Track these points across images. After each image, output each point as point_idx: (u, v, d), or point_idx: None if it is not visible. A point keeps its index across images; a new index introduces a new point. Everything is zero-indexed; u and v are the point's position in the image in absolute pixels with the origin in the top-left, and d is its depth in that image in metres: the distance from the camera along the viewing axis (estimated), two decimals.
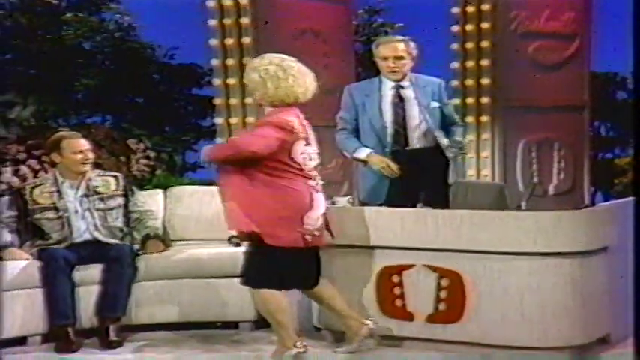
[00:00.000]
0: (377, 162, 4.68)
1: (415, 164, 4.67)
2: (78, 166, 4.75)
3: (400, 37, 4.82)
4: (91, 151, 4.84)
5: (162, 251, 4.76)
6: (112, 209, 4.79)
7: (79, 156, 4.75)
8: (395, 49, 4.71)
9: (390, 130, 4.71)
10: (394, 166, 4.65)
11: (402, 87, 4.74)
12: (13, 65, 8.49)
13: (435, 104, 4.72)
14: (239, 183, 3.92)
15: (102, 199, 4.79)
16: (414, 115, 4.70)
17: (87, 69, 8.41)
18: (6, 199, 4.80)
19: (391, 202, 4.61)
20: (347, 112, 4.87)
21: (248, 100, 6.42)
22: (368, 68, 9.02)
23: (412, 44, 4.75)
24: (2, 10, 8.48)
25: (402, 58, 4.70)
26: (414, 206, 4.57)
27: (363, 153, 4.75)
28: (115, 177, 4.93)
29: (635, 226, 3.80)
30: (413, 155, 4.70)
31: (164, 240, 4.89)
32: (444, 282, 4.19)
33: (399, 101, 4.72)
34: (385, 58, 4.73)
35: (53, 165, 4.88)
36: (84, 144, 4.81)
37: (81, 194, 4.76)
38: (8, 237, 4.68)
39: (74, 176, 4.78)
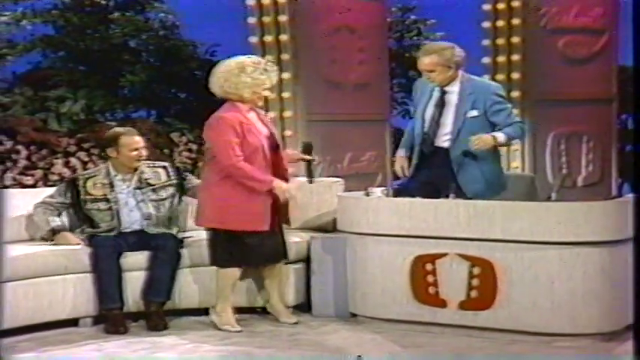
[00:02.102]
0: (396, 162, 4.74)
1: (439, 166, 4.58)
2: (132, 162, 4.77)
3: (428, 48, 4.67)
4: (144, 148, 4.84)
5: None
6: (164, 199, 4.79)
7: (134, 153, 4.76)
8: (421, 64, 4.60)
9: (419, 131, 4.64)
10: (405, 170, 4.66)
11: (445, 92, 4.62)
12: (64, 62, 8.57)
13: (474, 113, 4.54)
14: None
15: (154, 190, 4.80)
16: (447, 122, 4.59)
17: (133, 66, 8.45)
18: (60, 185, 4.85)
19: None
20: (415, 107, 4.86)
21: (285, 94, 6.42)
22: (400, 65, 8.99)
23: (443, 55, 4.54)
24: (55, 10, 8.56)
25: (431, 71, 4.57)
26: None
27: (399, 152, 4.78)
28: (164, 167, 4.92)
29: (636, 224, 3.74)
30: (434, 154, 4.62)
31: None
32: (476, 270, 4.16)
33: (440, 105, 4.62)
34: (421, 71, 4.66)
35: (105, 158, 4.90)
36: (139, 141, 4.80)
37: (134, 187, 4.78)
38: (57, 221, 4.72)
39: (127, 170, 4.79)
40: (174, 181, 4.85)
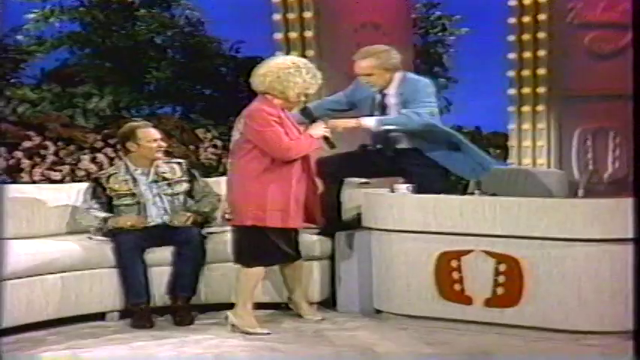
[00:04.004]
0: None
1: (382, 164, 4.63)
2: (153, 154, 4.79)
3: (365, 52, 4.63)
4: (162, 139, 4.88)
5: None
6: (178, 194, 4.83)
7: (154, 144, 4.79)
8: (359, 67, 4.60)
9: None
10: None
11: (385, 95, 4.62)
12: (91, 59, 8.62)
13: (404, 111, 4.52)
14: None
15: (169, 185, 4.83)
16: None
17: (158, 62, 8.49)
18: (89, 189, 4.84)
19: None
20: (344, 94, 4.81)
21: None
22: (425, 61, 8.94)
23: (380, 58, 4.55)
24: (82, 8, 8.62)
25: (369, 74, 4.57)
26: None
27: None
28: (179, 163, 4.97)
29: (635, 226, 3.69)
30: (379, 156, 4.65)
31: None
32: (502, 267, 4.11)
33: (383, 109, 4.61)
34: (358, 75, 4.65)
35: (125, 153, 4.92)
36: (156, 133, 4.85)
37: (151, 180, 4.81)
38: (103, 213, 4.72)
39: (145, 163, 4.82)
40: (189, 177, 4.88)
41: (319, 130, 4.34)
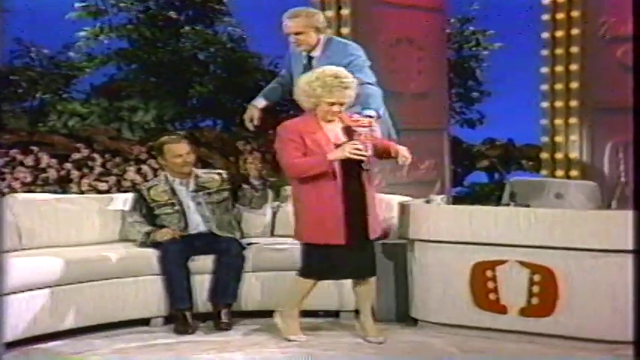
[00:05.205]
0: (248, 111, 4.74)
1: None
2: (179, 168, 4.83)
3: (295, 11, 4.54)
4: (191, 153, 4.88)
5: None
6: (219, 202, 4.85)
7: (179, 159, 4.82)
8: (289, 27, 4.53)
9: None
10: (255, 122, 4.68)
11: (312, 58, 4.57)
12: (137, 74, 8.72)
13: (369, 87, 4.40)
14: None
15: (209, 194, 4.85)
16: None
17: (201, 77, 8.55)
18: (132, 202, 4.88)
19: None
20: (285, 69, 4.80)
21: None
22: (459, 75, 8.88)
23: (311, 17, 4.51)
24: (130, 25, 8.72)
25: (298, 33, 4.50)
26: None
27: (257, 101, 4.78)
28: (219, 174, 5.00)
29: (636, 235, 3.60)
30: None
31: None
32: (537, 277, 4.05)
33: (309, 70, 4.44)
34: (287, 34, 4.57)
35: (161, 166, 4.99)
36: (183, 148, 4.84)
37: (191, 190, 4.83)
38: (147, 227, 4.76)
39: (182, 175, 4.86)
40: (228, 187, 4.89)
41: (338, 152, 4.02)
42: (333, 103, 4.06)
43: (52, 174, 6.61)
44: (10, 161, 6.59)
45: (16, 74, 8.76)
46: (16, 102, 8.63)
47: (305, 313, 4.57)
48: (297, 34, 4.51)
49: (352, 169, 4.08)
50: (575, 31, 6.72)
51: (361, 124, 4.05)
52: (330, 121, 4.13)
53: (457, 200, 4.65)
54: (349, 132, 4.09)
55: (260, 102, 4.81)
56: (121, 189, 6.55)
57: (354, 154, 4.00)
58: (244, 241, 4.82)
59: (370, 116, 4.25)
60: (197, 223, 4.77)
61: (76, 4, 8.80)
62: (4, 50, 8.16)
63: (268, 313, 4.49)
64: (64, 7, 8.81)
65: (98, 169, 6.79)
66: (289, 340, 4.20)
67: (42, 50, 8.94)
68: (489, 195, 4.97)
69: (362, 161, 4.07)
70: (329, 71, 4.09)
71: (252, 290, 4.69)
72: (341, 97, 4.06)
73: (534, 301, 4.06)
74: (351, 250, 4.10)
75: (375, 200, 4.21)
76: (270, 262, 4.71)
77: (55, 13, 8.78)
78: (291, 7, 4.63)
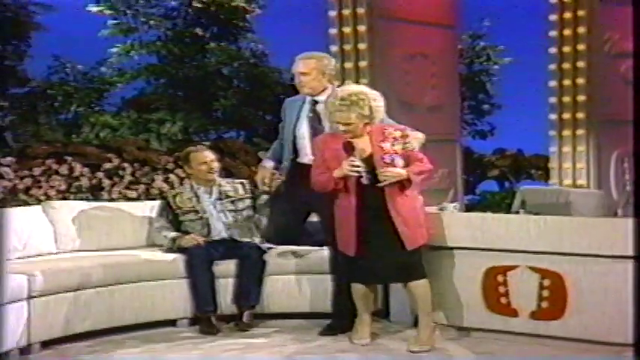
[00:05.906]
0: (259, 172, 4.60)
1: (298, 177, 4.30)
2: (205, 175, 4.83)
3: (308, 54, 4.42)
4: (215, 161, 4.88)
5: None
6: (241, 210, 4.84)
7: (204, 167, 4.82)
8: (298, 67, 4.39)
9: (290, 149, 4.40)
10: (267, 181, 4.53)
11: (317, 102, 4.39)
12: (165, 88, 8.78)
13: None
14: None
15: (232, 202, 4.84)
16: (305, 131, 4.35)
17: (225, 91, 8.60)
18: (159, 209, 4.89)
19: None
20: (280, 124, 4.62)
21: None
22: (470, 88, 8.85)
23: (321, 61, 4.35)
24: (159, 42, 8.78)
25: (305, 74, 4.35)
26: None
27: (266, 162, 4.64)
28: (242, 183, 4.99)
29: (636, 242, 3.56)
30: (297, 167, 4.36)
31: None
32: (546, 282, 4.01)
33: (314, 117, 4.37)
34: (294, 73, 4.45)
35: (187, 174, 4.98)
36: (208, 156, 4.85)
37: (215, 198, 4.83)
38: (173, 233, 4.76)
39: (206, 183, 4.86)
40: (250, 195, 4.89)
41: (338, 170, 3.92)
42: (338, 123, 3.98)
43: (84, 182, 6.66)
44: (46, 170, 6.65)
45: (53, 89, 8.85)
46: (53, 114, 8.72)
47: (325, 316, 4.55)
48: (303, 74, 4.38)
49: (371, 182, 3.96)
50: (581, 47, 6.68)
51: (391, 137, 3.99)
52: (358, 136, 3.97)
53: (469, 208, 4.60)
54: (347, 148, 3.95)
55: (268, 163, 4.66)
56: (149, 197, 6.58)
57: (351, 170, 3.91)
58: (264, 245, 4.81)
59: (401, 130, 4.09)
60: (219, 230, 4.77)
61: (109, 22, 8.88)
62: (42, 66, 8.23)
63: (289, 315, 4.48)
64: (97, 25, 8.89)
65: (128, 178, 6.82)
66: (352, 343, 4.13)
67: (76, 66, 9.02)
68: (500, 203, 4.93)
69: (363, 176, 3.90)
70: (340, 92, 4.01)
71: (273, 293, 4.67)
72: (341, 119, 3.93)
73: (544, 304, 4.01)
74: (370, 259, 4.01)
75: (411, 210, 4.01)
76: (288, 266, 4.69)
77: (89, 31, 8.87)
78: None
